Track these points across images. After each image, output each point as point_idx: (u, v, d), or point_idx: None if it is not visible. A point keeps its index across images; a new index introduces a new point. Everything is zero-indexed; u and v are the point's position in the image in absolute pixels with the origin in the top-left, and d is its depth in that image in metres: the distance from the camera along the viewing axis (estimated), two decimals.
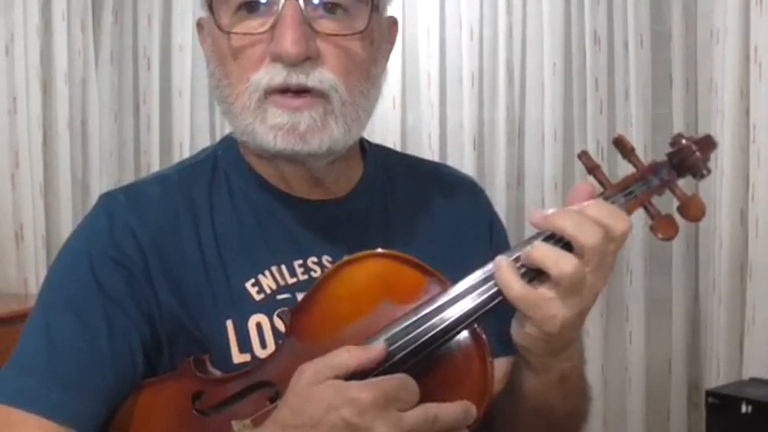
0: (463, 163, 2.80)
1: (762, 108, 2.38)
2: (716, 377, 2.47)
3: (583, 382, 0.96)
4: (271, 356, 0.87)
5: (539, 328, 0.82)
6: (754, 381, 2.31)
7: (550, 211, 0.82)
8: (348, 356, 0.78)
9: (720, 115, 2.46)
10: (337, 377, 0.77)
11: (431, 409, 0.78)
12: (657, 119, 2.71)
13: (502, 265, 0.81)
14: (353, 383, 0.77)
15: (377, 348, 0.80)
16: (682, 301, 2.70)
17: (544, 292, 0.80)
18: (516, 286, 0.80)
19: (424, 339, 0.81)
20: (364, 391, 0.75)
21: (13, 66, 2.72)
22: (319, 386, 0.76)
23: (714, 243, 2.51)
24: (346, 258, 0.88)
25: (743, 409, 2.13)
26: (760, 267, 2.39)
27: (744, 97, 2.41)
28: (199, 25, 0.96)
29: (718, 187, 2.46)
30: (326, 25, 0.88)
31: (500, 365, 0.94)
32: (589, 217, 0.80)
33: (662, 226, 0.85)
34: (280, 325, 0.90)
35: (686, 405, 2.72)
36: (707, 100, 2.60)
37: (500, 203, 2.79)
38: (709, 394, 2.22)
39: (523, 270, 0.81)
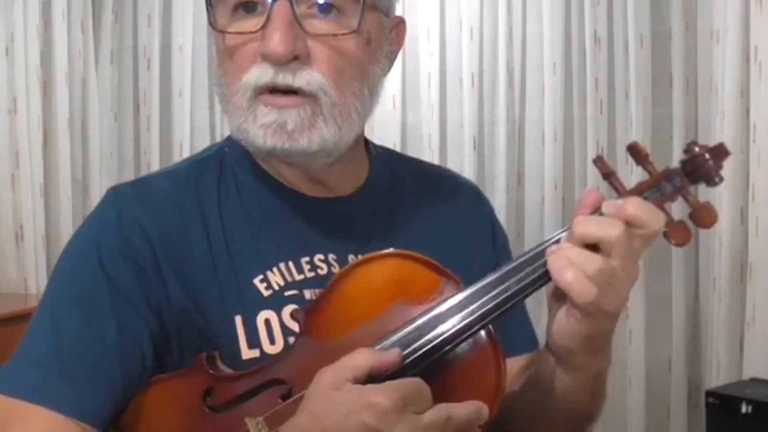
0: (463, 163, 2.80)
1: (762, 108, 2.37)
2: (716, 377, 2.47)
3: (606, 381, 0.98)
4: (284, 354, 0.87)
5: (587, 331, 0.84)
6: (754, 381, 2.31)
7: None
8: (365, 358, 0.79)
9: (720, 115, 2.46)
10: (356, 379, 0.78)
11: (444, 409, 0.79)
12: (657, 119, 2.71)
13: (563, 267, 0.81)
14: (372, 387, 0.77)
15: (394, 353, 0.81)
16: (682, 300, 2.70)
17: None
18: (592, 294, 0.81)
19: (438, 341, 0.82)
20: (383, 395, 0.76)
21: (13, 66, 2.72)
22: (338, 391, 0.77)
23: (714, 243, 2.51)
24: (361, 257, 0.89)
25: (743, 409, 2.12)
26: (760, 267, 2.39)
27: (744, 97, 2.41)
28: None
29: (718, 187, 2.45)
30: (317, 25, 0.88)
31: (516, 362, 0.95)
32: (628, 213, 0.81)
33: (676, 232, 0.85)
34: (289, 322, 0.91)
35: (686, 405, 2.72)
36: (707, 100, 2.59)
37: (500, 203, 2.79)
38: (709, 394, 2.22)
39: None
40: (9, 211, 2.75)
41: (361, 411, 0.76)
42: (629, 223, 0.81)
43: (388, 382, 0.78)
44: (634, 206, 0.81)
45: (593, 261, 0.80)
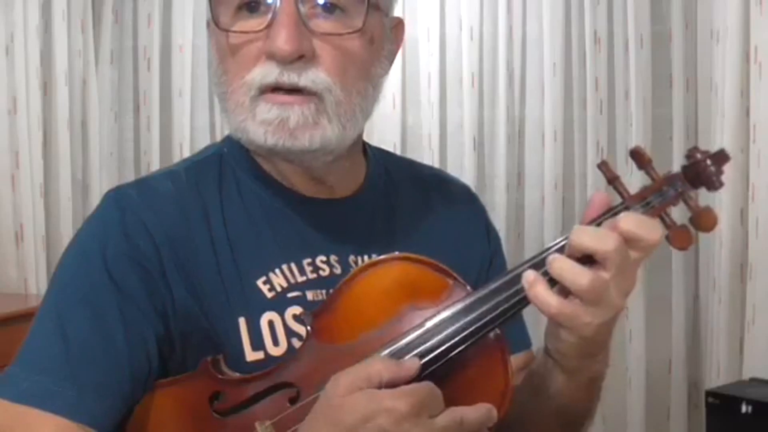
0: (463, 163, 2.80)
1: (762, 108, 2.37)
2: (716, 377, 2.47)
3: (602, 384, 0.98)
4: (292, 357, 0.87)
5: (576, 335, 0.83)
6: (754, 381, 2.31)
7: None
8: (382, 367, 0.79)
9: (720, 115, 2.46)
10: (369, 387, 0.78)
11: (457, 412, 0.79)
12: (657, 119, 2.70)
13: (533, 280, 0.82)
14: (386, 392, 0.77)
15: (412, 363, 0.80)
16: (682, 300, 2.70)
17: (577, 303, 0.81)
18: (554, 303, 0.81)
19: (448, 344, 0.82)
20: (399, 399, 0.76)
21: (13, 66, 2.73)
22: (352, 395, 0.77)
23: (714, 243, 2.51)
24: (369, 260, 0.89)
25: (743, 409, 2.12)
26: (760, 267, 2.39)
27: (744, 97, 2.41)
28: (208, 23, 0.97)
29: None
30: (322, 24, 0.88)
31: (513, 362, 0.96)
32: (621, 230, 0.81)
33: (677, 237, 0.86)
34: (292, 323, 0.90)
35: (686, 405, 2.72)
36: (707, 100, 2.59)
37: (500, 203, 2.79)
38: (709, 394, 2.22)
39: (546, 277, 0.82)
40: (9, 211, 2.76)
41: (377, 415, 0.75)
42: (625, 238, 0.81)
43: (403, 387, 0.78)
44: (627, 222, 0.81)
45: (583, 276, 0.80)
